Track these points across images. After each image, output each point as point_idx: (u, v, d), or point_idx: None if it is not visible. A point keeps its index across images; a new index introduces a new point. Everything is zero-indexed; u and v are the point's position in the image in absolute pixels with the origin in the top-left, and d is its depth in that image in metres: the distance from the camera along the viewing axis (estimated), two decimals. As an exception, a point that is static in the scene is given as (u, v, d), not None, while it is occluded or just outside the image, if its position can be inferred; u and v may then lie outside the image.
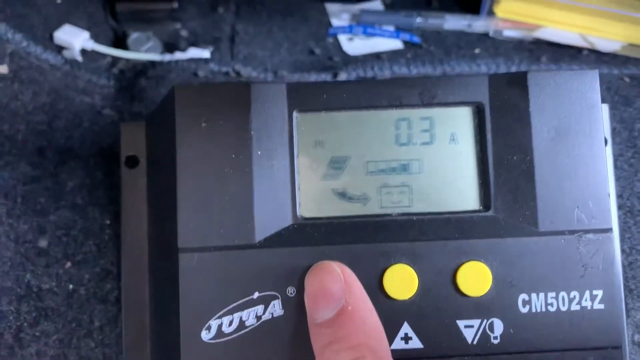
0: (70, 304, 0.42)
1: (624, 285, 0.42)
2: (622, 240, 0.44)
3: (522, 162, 0.36)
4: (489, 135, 0.36)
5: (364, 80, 0.40)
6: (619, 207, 0.45)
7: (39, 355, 0.41)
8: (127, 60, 0.55)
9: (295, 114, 0.36)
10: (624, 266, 0.43)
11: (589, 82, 0.36)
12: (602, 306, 0.35)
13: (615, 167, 0.46)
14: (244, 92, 0.35)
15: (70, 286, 0.42)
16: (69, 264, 0.43)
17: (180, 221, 0.35)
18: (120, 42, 0.58)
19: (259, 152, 0.35)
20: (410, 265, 0.35)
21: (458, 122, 0.37)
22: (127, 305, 0.39)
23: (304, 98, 0.36)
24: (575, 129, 0.36)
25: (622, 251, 0.43)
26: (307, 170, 0.36)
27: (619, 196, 0.46)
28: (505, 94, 0.36)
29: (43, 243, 0.43)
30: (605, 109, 0.42)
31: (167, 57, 0.55)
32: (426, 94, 0.36)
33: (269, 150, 0.35)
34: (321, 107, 0.36)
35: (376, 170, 0.36)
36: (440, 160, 0.37)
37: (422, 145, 0.37)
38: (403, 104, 0.36)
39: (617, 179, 0.46)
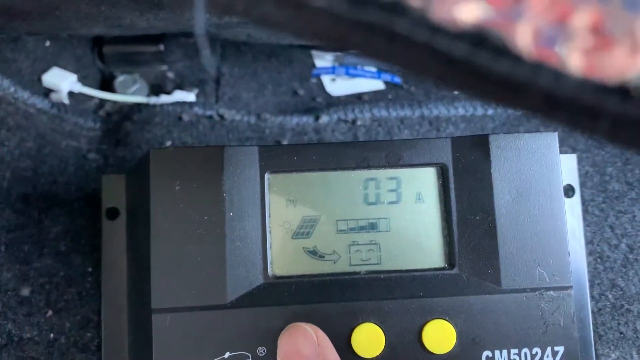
0: (51, 353, 0.43)
1: (594, 331, 0.43)
2: (592, 286, 0.45)
3: (485, 221, 0.37)
4: (452, 195, 0.37)
5: (334, 144, 0.41)
6: (589, 253, 0.46)
7: None
8: (114, 102, 0.56)
9: (267, 175, 0.37)
10: (593, 312, 0.44)
11: (549, 144, 0.38)
12: None
13: (586, 212, 0.48)
14: (217, 155, 0.36)
15: (51, 335, 0.43)
16: (50, 312, 0.44)
17: (153, 282, 0.36)
18: (107, 84, 0.59)
19: (231, 213, 0.36)
20: (377, 324, 0.36)
21: (423, 182, 0.38)
22: (107, 354, 0.40)
23: (275, 160, 0.37)
24: (536, 189, 0.37)
25: (592, 297, 0.45)
26: (278, 230, 0.37)
27: (589, 242, 0.47)
28: (468, 156, 0.37)
29: (25, 291, 0.44)
30: (573, 158, 0.44)
31: (153, 99, 0.56)
32: (392, 155, 0.37)
33: (241, 211, 0.37)
34: (292, 168, 0.37)
35: (346, 229, 0.38)
36: (406, 218, 0.38)
37: (390, 204, 0.38)
38: (370, 165, 0.37)
39: (588, 224, 0.47)
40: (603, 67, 0.13)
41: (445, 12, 0.13)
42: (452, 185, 0.37)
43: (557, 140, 0.38)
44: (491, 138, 0.37)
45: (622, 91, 0.13)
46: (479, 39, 0.13)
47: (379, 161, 0.37)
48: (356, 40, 0.14)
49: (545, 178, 0.37)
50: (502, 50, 0.13)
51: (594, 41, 0.12)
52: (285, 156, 0.37)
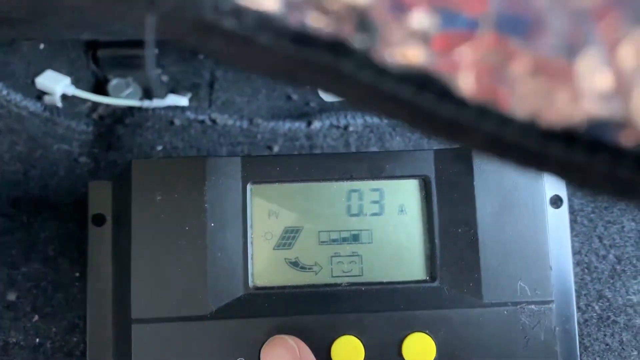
0: (37, 358, 0.43)
1: (579, 342, 0.43)
2: (579, 296, 0.45)
3: (467, 234, 0.37)
4: (435, 208, 0.37)
5: (316, 155, 0.41)
6: (577, 264, 0.46)
7: None
8: (107, 105, 0.56)
9: (249, 185, 0.37)
10: (579, 323, 0.44)
11: None
12: None
13: (575, 222, 0.47)
14: (199, 166, 0.36)
15: (37, 340, 0.43)
16: (36, 317, 0.44)
17: (133, 292, 0.36)
18: (100, 87, 0.59)
19: (213, 224, 0.36)
20: (357, 337, 0.36)
21: (406, 194, 0.38)
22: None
23: (258, 170, 0.37)
24: (519, 202, 0.37)
25: (578, 308, 0.44)
26: (260, 240, 0.38)
27: (577, 252, 0.47)
28: (451, 168, 0.37)
29: (12, 296, 0.44)
30: None
31: (146, 103, 0.56)
32: (375, 167, 0.37)
33: (223, 222, 0.37)
34: (275, 178, 0.37)
35: (328, 240, 0.38)
36: (389, 230, 0.38)
37: (372, 216, 0.38)
38: (353, 177, 0.37)
39: (576, 234, 0.47)
40: (546, 111, 0.13)
41: (388, 54, 0.13)
42: (434, 198, 0.37)
43: None
44: (474, 151, 0.37)
45: (567, 136, 0.13)
46: (423, 81, 0.13)
47: (362, 173, 0.37)
48: (304, 77, 0.14)
49: (529, 191, 0.37)
50: (445, 93, 0.13)
51: (535, 86, 0.12)
52: (268, 167, 0.37)
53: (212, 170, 0.37)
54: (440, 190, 0.37)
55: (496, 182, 0.37)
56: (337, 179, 0.38)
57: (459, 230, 0.37)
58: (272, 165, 0.37)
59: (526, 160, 0.14)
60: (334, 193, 0.38)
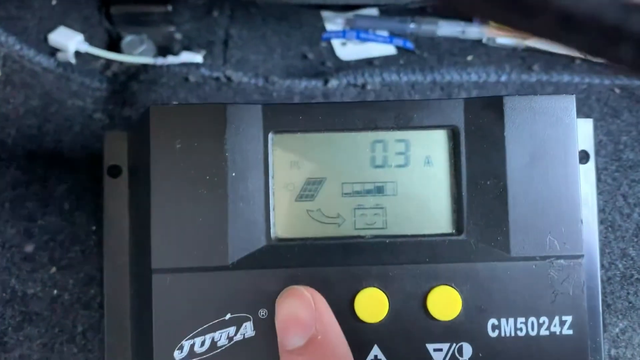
0: (54, 309, 0.43)
1: (602, 300, 0.42)
2: (602, 254, 0.44)
3: (496, 186, 0.36)
4: (463, 159, 0.36)
5: (340, 103, 0.40)
6: (601, 222, 0.45)
7: (22, 359, 0.42)
8: (121, 63, 0.55)
9: (270, 135, 0.36)
10: (602, 281, 0.43)
11: (565, 107, 0.36)
12: (570, 332, 0.36)
13: (599, 180, 0.46)
14: (219, 113, 0.36)
15: (55, 291, 0.43)
16: (54, 269, 0.44)
17: (153, 242, 0.35)
18: (114, 44, 0.58)
19: (234, 174, 0.35)
20: (381, 289, 0.35)
21: (433, 145, 0.37)
22: (109, 311, 0.40)
23: (279, 119, 0.36)
24: (550, 155, 0.36)
25: (602, 266, 0.44)
26: (282, 191, 0.37)
27: (601, 210, 0.46)
28: (481, 118, 0.36)
29: (29, 248, 0.44)
30: (589, 123, 0.42)
31: (160, 60, 0.55)
32: (402, 117, 0.36)
33: (244, 171, 0.36)
34: (297, 128, 0.36)
35: (351, 192, 0.37)
36: (414, 183, 0.37)
37: (397, 167, 0.37)
38: (378, 127, 0.36)
39: (600, 192, 0.46)
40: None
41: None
42: (463, 149, 0.36)
43: (574, 103, 0.36)
44: (505, 100, 0.36)
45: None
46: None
47: (387, 122, 0.36)
48: None
49: (561, 143, 0.36)
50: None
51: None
52: (290, 116, 0.36)
53: (233, 118, 0.36)
54: (469, 141, 0.36)
55: (527, 133, 0.36)
56: (361, 129, 0.36)
57: (488, 183, 0.36)
58: (293, 114, 0.36)
59: (599, 40, 0.12)
60: (358, 144, 0.37)
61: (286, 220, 0.37)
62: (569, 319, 0.36)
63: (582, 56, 0.57)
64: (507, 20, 0.13)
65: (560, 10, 0.12)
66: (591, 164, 0.42)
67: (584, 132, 0.42)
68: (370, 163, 0.37)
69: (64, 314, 0.43)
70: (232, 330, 0.35)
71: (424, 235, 0.36)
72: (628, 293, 0.44)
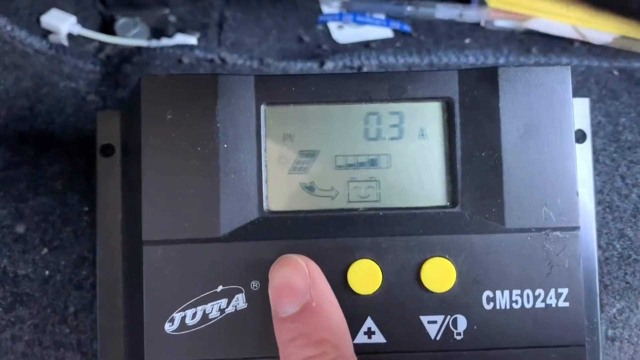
0: (46, 290, 0.42)
1: (599, 280, 0.42)
2: (600, 235, 0.44)
3: (490, 158, 0.35)
4: (457, 131, 0.36)
5: (333, 75, 0.39)
6: (598, 203, 0.45)
7: (13, 340, 0.42)
8: (114, 45, 0.55)
9: (263, 106, 0.36)
10: (600, 262, 0.43)
11: (561, 79, 0.36)
12: (567, 304, 0.35)
13: (597, 161, 0.46)
14: (210, 83, 0.35)
15: (46, 272, 0.43)
16: (45, 250, 0.43)
17: (144, 213, 0.35)
18: (107, 27, 0.58)
19: (225, 145, 0.35)
20: (374, 261, 0.35)
21: (427, 117, 0.36)
22: (102, 292, 0.40)
23: (272, 91, 0.36)
24: (545, 126, 0.36)
25: (599, 247, 0.43)
26: (274, 164, 0.36)
27: (599, 191, 0.45)
28: (475, 90, 0.36)
29: (20, 229, 0.43)
30: (585, 103, 0.42)
31: (154, 43, 0.55)
32: (395, 89, 0.36)
33: (236, 143, 0.35)
34: (290, 100, 0.36)
35: (344, 165, 0.36)
36: (408, 155, 0.36)
37: (391, 140, 0.36)
38: (372, 99, 0.36)
39: (598, 173, 0.46)
40: None
41: None
42: (457, 121, 0.36)
43: (570, 74, 0.36)
44: (500, 71, 0.36)
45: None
46: None
47: (381, 94, 0.36)
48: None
49: (556, 114, 0.36)
50: None
51: None
52: (283, 87, 0.36)
53: (224, 88, 0.35)
54: (464, 112, 0.36)
55: (523, 104, 0.35)
56: (354, 101, 0.36)
57: (482, 155, 0.35)
58: (286, 86, 0.36)
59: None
60: (351, 116, 0.36)
61: (279, 192, 0.36)
62: (564, 291, 0.35)
63: (580, 38, 0.57)
64: None
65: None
66: (587, 143, 0.42)
67: (581, 112, 0.41)
68: (364, 135, 0.36)
69: (56, 295, 0.42)
70: (223, 302, 0.35)
71: (418, 208, 0.36)
72: (625, 273, 0.43)
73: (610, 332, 0.42)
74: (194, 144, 0.35)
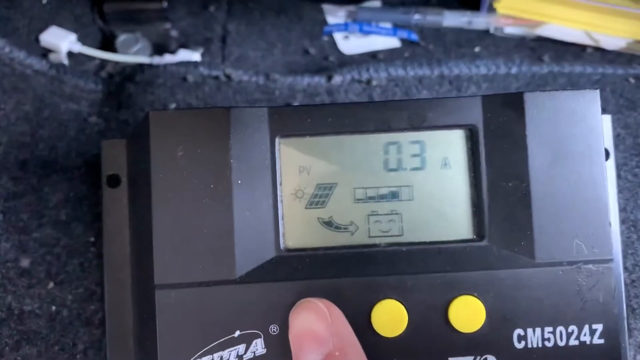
0: (53, 327, 0.41)
1: (626, 304, 0.40)
2: (625, 256, 0.42)
3: (518, 188, 0.34)
4: (482, 160, 0.34)
5: (350, 104, 0.38)
6: (622, 222, 0.43)
7: None
8: (116, 63, 0.53)
9: (277, 139, 0.34)
10: (626, 284, 0.41)
11: (589, 103, 0.34)
12: (602, 341, 0.34)
13: (619, 177, 0.45)
14: (222, 117, 0.33)
15: (53, 308, 0.41)
16: (51, 284, 0.42)
17: (156, 256, 0.33)
18: (108, 44, 0.56)
19: (239, 181, 0.33)
20: (399, 301, 0.33)
21: (450, 146, 0.35)
22: (111, 328, 0.38)
23: (286, 122, 0.34)
24: (575, 153, 0.34)
25: (625, 269, 0.42)
26: (291, 199, 0.35)
27: (622, 209, 0.44)
28: (500, 116, 0.34)
29: (25, 262, 0.42)
30: (607, 119, 0.40)
31: (157, 59, 0.53)
32: (415, 116, 0.34)
33: (250, 179, 0.34)
34: (305, 131, 0.34)
35: (364, 198, 0.35)
36: (431, 186, 0.35)
37: (413, 170, 0.35)
38: (391, 128, 0.34)
39: (620, 190, 0.44)
40: None
41: None
42: (482, 149, 0.34)
43: (598, 98, 0.34)
44: (526, 96, 0.34)
45: None
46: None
47: (400, 123, 0.34)
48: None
49: (585, 140, 0.34)
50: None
51: None
52: (298, 118, 0.34)
53: (237, 122, 0.33)
54: (489, 140, 0.34)
55: (550, 130, 0.34)
56: (373, 131, 0.34)
57: (509, 185, 0.34)
58: (301, 117, 0.34)
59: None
60: (370, 146, 0.35)
61: (296, 229, 0.34)
62: (599, 327, 0.34)
63: (593, 44, 0.55)
64: None
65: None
66: (611, 161, 0.40)
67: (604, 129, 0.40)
68: (384, 166, 0.35)
69: (64, 332, 0.41)
70: (241, 348, 0.33)
71: (443, 242, 0.34)
72: None
73: (639, 358, 0.41)
74: (206, 181, 0.33)
